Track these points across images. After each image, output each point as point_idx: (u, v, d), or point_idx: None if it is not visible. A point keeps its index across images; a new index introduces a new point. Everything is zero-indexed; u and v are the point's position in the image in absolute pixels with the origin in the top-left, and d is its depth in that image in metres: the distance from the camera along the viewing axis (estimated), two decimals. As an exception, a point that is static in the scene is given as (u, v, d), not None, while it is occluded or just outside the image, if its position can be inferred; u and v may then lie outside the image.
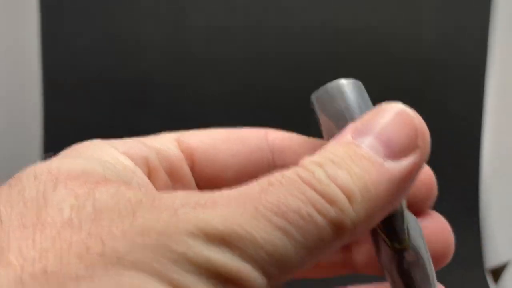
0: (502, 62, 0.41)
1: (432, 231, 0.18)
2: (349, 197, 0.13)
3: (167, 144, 0.18)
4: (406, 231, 0.16)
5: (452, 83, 0.41)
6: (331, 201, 0.13)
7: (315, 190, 0.13)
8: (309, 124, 0.45)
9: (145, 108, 0.42)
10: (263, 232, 0.12)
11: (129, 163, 0.16)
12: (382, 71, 0.41)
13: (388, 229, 0.16)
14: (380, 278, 0.17)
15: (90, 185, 0.13)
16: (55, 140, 0.42)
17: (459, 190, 0.42)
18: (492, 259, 0.42)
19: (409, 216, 0.16)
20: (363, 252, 0.17)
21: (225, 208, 0.13)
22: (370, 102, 0.17)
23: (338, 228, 0.13)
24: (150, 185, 0.16)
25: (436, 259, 0.18)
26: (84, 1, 0.42)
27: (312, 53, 0.41)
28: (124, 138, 0.17)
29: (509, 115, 0.42)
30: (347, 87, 0.17)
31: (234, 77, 0.42)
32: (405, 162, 0.15)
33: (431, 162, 0.43)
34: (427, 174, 0.19)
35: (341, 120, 0.16)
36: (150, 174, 0.17)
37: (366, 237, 0.17)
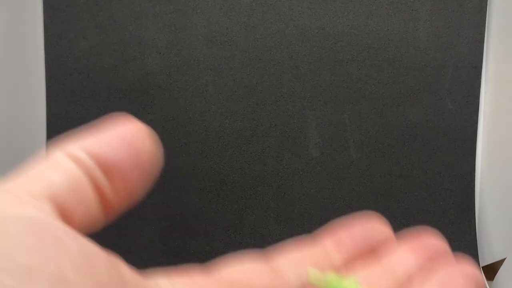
0: (497, 64, 0.42)
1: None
2: None
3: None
4: None
5: (447, 85, 0.41)
6: None
7: None
8: (307, 125, 0.46)
9: (146, 108, 0.42)
10: None
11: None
12: (378, 73, 0.41)
13: None
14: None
15: None
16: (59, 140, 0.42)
17: (454, 189, 0.42)
18: (487, 256, 0.42)
19: None
20: None
21: None
22: None
23: None
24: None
25: None
26: (86, 3, 0.42)
27: (310, 55, 0.41)
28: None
29: (504, 115, 0.42)
30: None
31: (234, 79, 0.42)
32: None
33: (427, 162, 0.44)
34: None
35: None
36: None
37: None
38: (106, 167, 0.15)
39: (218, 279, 0.20)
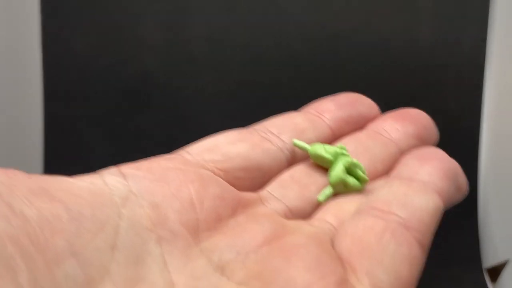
0: (500, 64, 0.41)
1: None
2: None
3: None
4: None
5: (450, 85, 0.41)
6: None
7: None
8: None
9: (145, 108, 0.42)
10: None
11: None
12: (380, 72, 0.41)
13: None
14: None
15: None
16: (56, 140, 0.42)
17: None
18: (490, 258, 0.42)
19: None
20: None
21: None
22: None
23: None
24: None
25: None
26: (84, 1, 0.42)
27: (311, 54, 0.41)
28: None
29: (507, 116, 0.42)
30: None
31: (235, 77, 0.42)
32: None
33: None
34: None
35: None
36: None
37: None
38: None
39: (183, 160, 0.18)
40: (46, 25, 0.42)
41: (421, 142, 0.23)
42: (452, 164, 0.20)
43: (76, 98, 0.42)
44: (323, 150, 0.20)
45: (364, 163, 0.21)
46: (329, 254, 0.15)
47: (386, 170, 0.21)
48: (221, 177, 0.18)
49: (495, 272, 0.42)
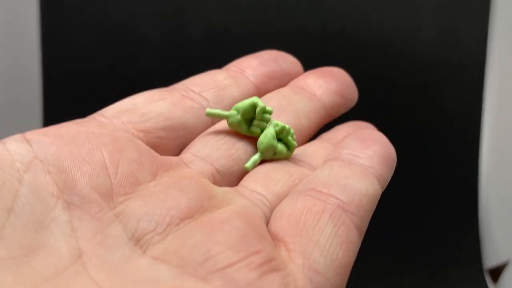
0: (501, 61, 0.41)
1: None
2: None
3: None
4: None
5: (451, 82, 0.41)
6: None
7: None
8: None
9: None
10: None
11: None
12: (381, 70, 0.41)
13: None
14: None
15: None
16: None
17: (458, 190, 0.42)
18: (491, 259, 0.42)
19: None
20: None
21: None
22: None
23: None
24: None
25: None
26: (84, 1, 0.42)
27: (311, 54, 0.41)
28: None
29: (508, 115, 0.42)
30: None
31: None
32: None
33: (431, 162, 0.43)
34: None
35: None
36: None
37: None
38: None
39: (97, 123, 0.17)
40: (46, 25, 0.42)
41: (343, 98, 0.23)
42: (391, 150, 0.20)
43: (75, 98, 0.42)
44: (244, 128, 0.19)
45: (288, 117, 0.20)
46: (258, 232, 0.14)
47: (311, 125, 0.21)
48: (141, 139, 0.17)
49: (496, 272, 0.42)
